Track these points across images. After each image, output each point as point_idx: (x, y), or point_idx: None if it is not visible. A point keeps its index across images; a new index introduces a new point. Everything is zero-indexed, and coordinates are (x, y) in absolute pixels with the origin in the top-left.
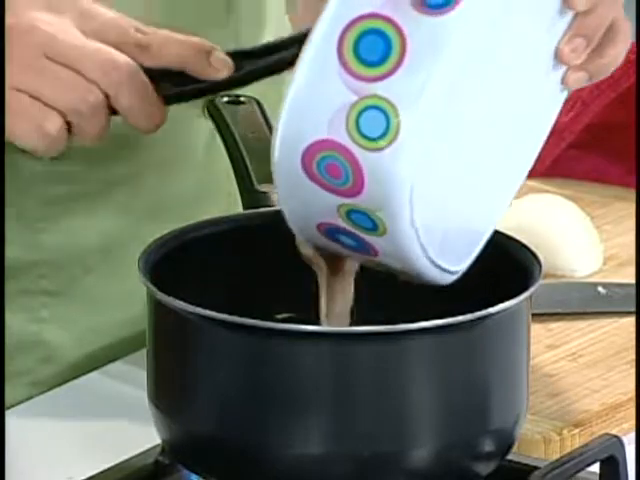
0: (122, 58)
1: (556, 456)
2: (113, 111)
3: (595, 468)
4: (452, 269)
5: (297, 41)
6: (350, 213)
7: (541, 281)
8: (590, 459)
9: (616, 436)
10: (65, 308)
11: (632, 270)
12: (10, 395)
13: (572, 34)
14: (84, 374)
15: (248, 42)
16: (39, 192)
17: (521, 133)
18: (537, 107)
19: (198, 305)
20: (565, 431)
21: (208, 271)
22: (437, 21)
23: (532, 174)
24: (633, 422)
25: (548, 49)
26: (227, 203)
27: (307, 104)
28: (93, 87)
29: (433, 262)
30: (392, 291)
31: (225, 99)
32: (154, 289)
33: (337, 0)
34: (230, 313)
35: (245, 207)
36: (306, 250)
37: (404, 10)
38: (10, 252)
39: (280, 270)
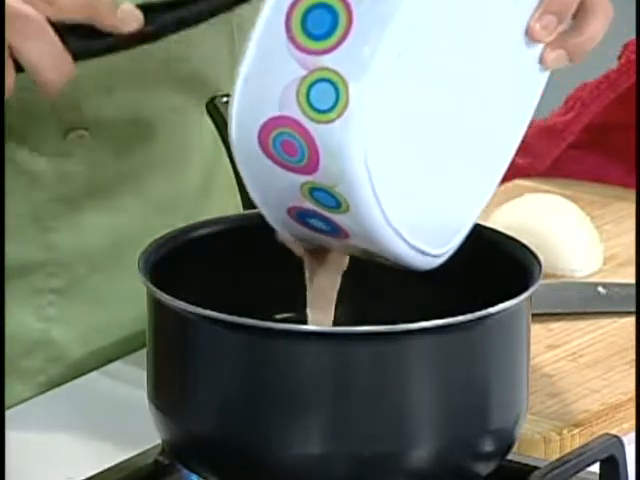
0: (27, 10)
1: (556, 456)
2: (19, 68)
3: (595, 468)
4: (433, 252)
5: None
6: (312, 192)
7: (541, 281)
8: (590, 459)
9: (616, 436)
10: (72, 306)
11: (632, 270)
12: (24, 395)
13: (542, 11)
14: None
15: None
16: (48, 191)
17: (499, 117)
18: (515, 89)
19: (198, 305)
20: (565, 431)
21: (208, 271)
22: None
23: (532, 174)
24: (633, 422)
25: (519, 25)
26: (233, 200)
27: (258, 81)
28: None
29: (408, 243)
30: (392, 291)
31: (225, 99)
32: (154, 289)
33: None
34: (230, 313)
35: (245, 207)
36: (285, 237)
37: None
38: (22, 252)
39: (280, 270)
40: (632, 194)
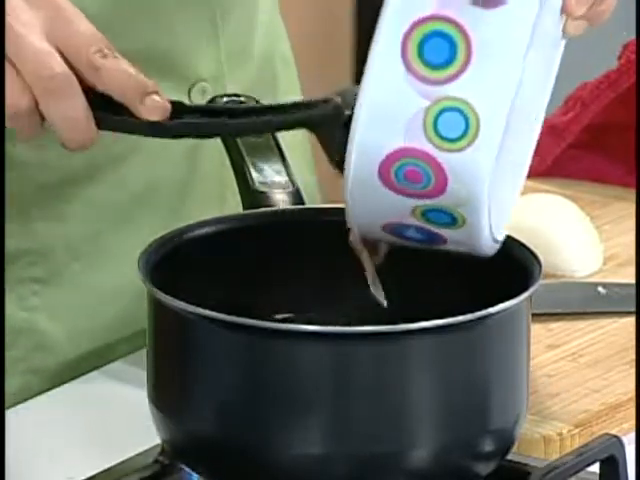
0: (61, 68)
1: (556, 456)
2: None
3: (595, 468)
4: (500, 239)
5: (249, 112)
6: (427, 213)
7: (541, 281)
8: (590, 459)
9: (616, 436)
10: (55, 296)
11: (632, 270)
12: (7, 383)
13: None
14: (77, 362)
15: (238, 49)
16: (32, 179)
17: (538, 98)
18: (550, 71)
19: (198, 305)
20: (565, 431)
21: (208, 271)
22: (498, 12)
23: (532, 174)
24: (633, 422)
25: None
26: (220, 191)
27: (379, 115)
28: (27, 91)
29: (494, 239)
30: (392, 291)
31: (225, 99)
32: (154, 289)
33: (393, 5)
34: (230, 313)
35: (245, 207)
36: (356, 241)
37: (462, 7)
38: (6, 241)
39: (280, 270)
40: (632, 194)
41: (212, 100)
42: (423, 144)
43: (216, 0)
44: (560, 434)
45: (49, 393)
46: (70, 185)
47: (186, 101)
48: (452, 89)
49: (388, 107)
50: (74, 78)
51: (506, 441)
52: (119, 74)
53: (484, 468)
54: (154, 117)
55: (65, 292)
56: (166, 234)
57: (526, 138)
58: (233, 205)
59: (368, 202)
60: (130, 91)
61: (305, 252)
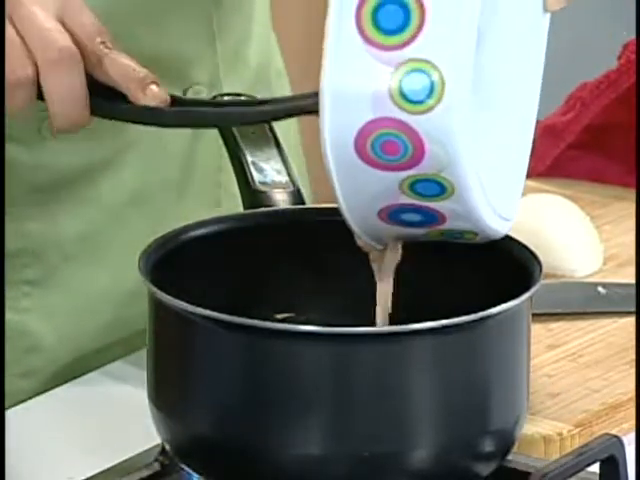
0: (67, 43)
1: (556, 456)
2: (40, 97)
3: (595, 468)
4: (508, 217)
5: (247, 104)
6: (414, 185)
7: (541, 281)
8: (590, 459)
9: (616, 436)
10: (46, 298)
11: (632, 270)
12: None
13: None
14: (71, 365)
15: (234, 55)
16: (24, 180)
17: (530, 74)
18: (532, 42)
19: (198, 305)
20: (565, 431)
21: (208, 271)
22: None
23: (532, 174)
24: (633, 422)
25: None
26: (215, 193)
27: (344, 93)
28: (30, 61)
29: (500, 215)
30: (393, 292)
31: (226, 98)
32: (154, 289)
33: None
34: (230, 313)
35: (245, 207)
36: (363, 242)
37: None
38: None
39: (280, 270)
40: (632, 194)
41: (214, 98)
42: (393, 112)
43: (213, 6)
44: (560, 434)
45: (49, 393)
46: (63, 187)
47: None
48: (411, 51)
49: (351, 83)
50: (79, 55)
51: (506, 441)
52: (122, 66)
53: (484, 468)
54: (153, 103)
55: (57, 294)
56: (166, 234)
57: (519, 115)
58: (228, 208)
59: (356, 186)
60: (133, 81)
61: (305, 252)
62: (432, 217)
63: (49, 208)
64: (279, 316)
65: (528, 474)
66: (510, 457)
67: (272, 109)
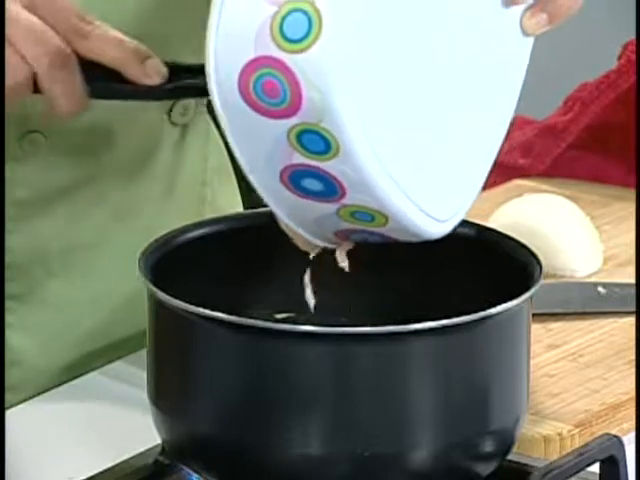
0: (57, 42)
1: (556, 456)
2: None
3: (595, 468)
4: (437, 215)
5: None
6: (300, 137)
7: (541, 281)
8: (590, 459)
9: (616, 436)
10: (30, 313)
11: (632, 270)
12: None
13: None
14: (56, 380)
15: None
16: (7, 194)
17: (491, 83)
18: (502, 57)
19: (198, 305)
20: (565, 431)
21: (208, 271)
22: None
23: (532, 174)
24: (633, 422)
25: None
26: (199, 208)
27: (231, 29)
28: (25, 65)
29: (408, 196)
30: (391, 292)
31: None
32: (154, 289)
33: None
34: (230, 313)
35: (245, 207)
36: (285, 227)
37: None
38: None
39: (280, 270)
40: (632, 194)
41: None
42: (272, 50)
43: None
44: (560, 434)
45: (49, 393)
46: (46, 202)
47: (166, 119)
48: None
49: (238, 20)
50: (70, 50)
51: (506, 441)
52: (110, 41)
53: (484, 468)
54: (156, 80)
55: (40, 309)
56: (166, 234)
57: (479, 110)
58: None
59: (249, 136)
60: (126, 55)
61: (305, 252)
62: (331, 185)
63: (32, 223)
64: (279, 316)
65: (528, 474)
66: (510, 457)
67: None
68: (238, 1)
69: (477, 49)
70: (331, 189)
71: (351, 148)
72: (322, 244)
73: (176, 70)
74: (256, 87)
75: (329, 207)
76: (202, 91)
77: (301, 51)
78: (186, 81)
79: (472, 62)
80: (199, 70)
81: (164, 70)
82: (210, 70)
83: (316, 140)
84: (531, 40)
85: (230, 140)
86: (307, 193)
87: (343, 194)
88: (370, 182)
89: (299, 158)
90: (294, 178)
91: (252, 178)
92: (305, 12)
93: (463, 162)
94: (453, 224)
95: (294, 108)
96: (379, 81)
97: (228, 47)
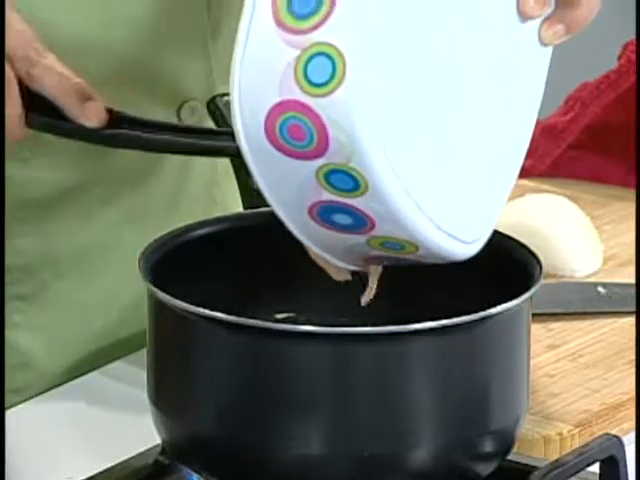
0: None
1: (556, 456)
2: None
3: (595, 468)
4: (462, 237)
5: (189, 131)
6: (328, 176)
7: (541, 281)
8: (590, 459)
9: (616, 436)
10: (38, 314)
11: (632, 270)
12: None
13: None
14: (61, 381)
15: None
16: (15, 194)
17: (512, 98)
18: (521, 71)
19: (198, 305)
20: (565, 431)
21: (208, 271)
22: None
23: (532, 174)
24: (633, 422)
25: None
26: (208, 209)
27: (255, 74)
28: None
29: (433, 222)
30: (391, 292)
31: (225, 98)
32: (155, 289)
33: None
34: (230, 313)
35: (245, 207)
36: (315, 255)
37: None
38: None
39: (280, 270)
40: (632, 194)
41: (212, 100)
42: (296, 94)
43: (208, 23)
44: (560, 434)
45: (49, 393)
46: (55, 203)
47: (174, 120)
48: (318, 35)
49: (261, 64)
50: (12, 75)
51: (506, 441)
52: (53, 75)
53: (484, 468)
54: (93, 123)
55: (48, 309)
56: (166, 234)
57: (501, 127)
58: None
59: (276, 178)
60: (68, 92)
61: (305, 252)
62: (360, 219)
63: (42, 225)
64: (279, 316)
65: (528, 474)
66: (510, 457)
67: (194, 142)
68: (261, 42)
69: (498, 66)
70: (360, 222)
71: (380, 186)
72: (353, 268)
73: (118, 119)
74: (282, 131)
75: (359, 238)
76: (143, 144)
77: (326, 95)
78: (125, 131)
79: (494, 80)
80: (141, 123)
81: (104, 115)
82: (235, 112)
83: (345, 179)
84: (549, 50)
85: (256, 178)
86: (336, 227)
87: (372, 226)
88: (399, 216)
89: (328, 196)
90: (323, 213)
91: (279, 212)
92: (328, 56)
93: (487, 182)
94: (480, 245)
95: (321, 149)
96: (404, 116)
97: (253, 90)
